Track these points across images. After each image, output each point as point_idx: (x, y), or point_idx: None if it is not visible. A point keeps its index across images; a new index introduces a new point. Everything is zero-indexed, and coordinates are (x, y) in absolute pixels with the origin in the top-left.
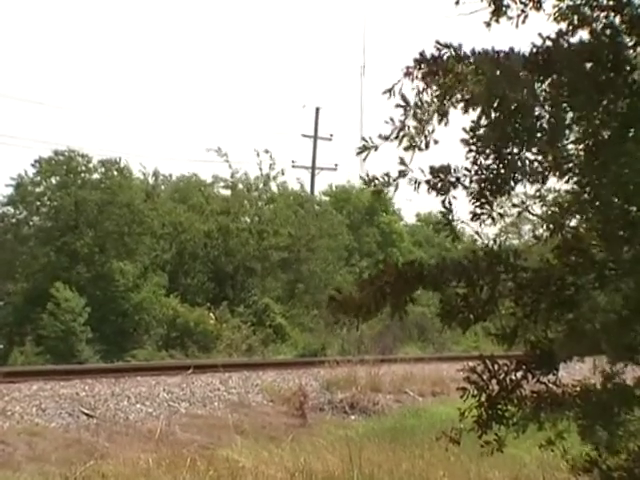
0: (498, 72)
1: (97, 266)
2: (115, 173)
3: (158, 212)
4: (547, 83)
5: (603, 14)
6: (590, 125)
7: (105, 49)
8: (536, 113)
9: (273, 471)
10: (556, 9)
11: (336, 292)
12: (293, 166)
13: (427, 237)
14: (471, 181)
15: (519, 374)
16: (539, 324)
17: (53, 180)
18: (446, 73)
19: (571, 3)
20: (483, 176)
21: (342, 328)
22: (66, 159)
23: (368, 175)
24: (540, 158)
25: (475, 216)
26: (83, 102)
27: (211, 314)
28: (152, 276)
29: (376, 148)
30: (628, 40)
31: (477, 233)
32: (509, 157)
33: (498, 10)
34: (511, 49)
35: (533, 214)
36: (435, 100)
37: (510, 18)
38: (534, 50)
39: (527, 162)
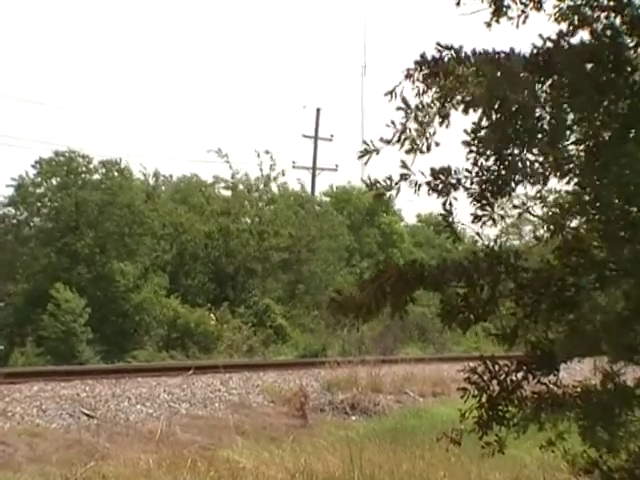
0: (499, 73)
1: (98, 267)
2: (116, 174)
3: (159, 213)
4: (548, 84)
5: (604, 15)
6: (591, 126)
7: (105, 50)
8: (537, 114)
9: (274, 472)
10: (556, 9)
11: (336, 293)
12: (294, 167)
13: (428, 238)
14: (472, 182)
15: (520, 375)
16: (540, 324)
17: (54, 181)
18: (447, 75)
19: (572, 3)
20: (484, 177)
21: (343, 329)
22: (67, 160)
23: (370, 179)
24: (541, 159)
25: (476, 217)
26: (83, 103)
27: (212, 315)
28: (153, 277)
29: (377, 152)
30: (629, 41)
31: (478, 234)
32: (510, 158)
33: (499, 10)
34: (511, 50)
35: (534, 215)
36: (436, 102)
37: (510, 18)
38: (535, 51)
39: (528, 163)
